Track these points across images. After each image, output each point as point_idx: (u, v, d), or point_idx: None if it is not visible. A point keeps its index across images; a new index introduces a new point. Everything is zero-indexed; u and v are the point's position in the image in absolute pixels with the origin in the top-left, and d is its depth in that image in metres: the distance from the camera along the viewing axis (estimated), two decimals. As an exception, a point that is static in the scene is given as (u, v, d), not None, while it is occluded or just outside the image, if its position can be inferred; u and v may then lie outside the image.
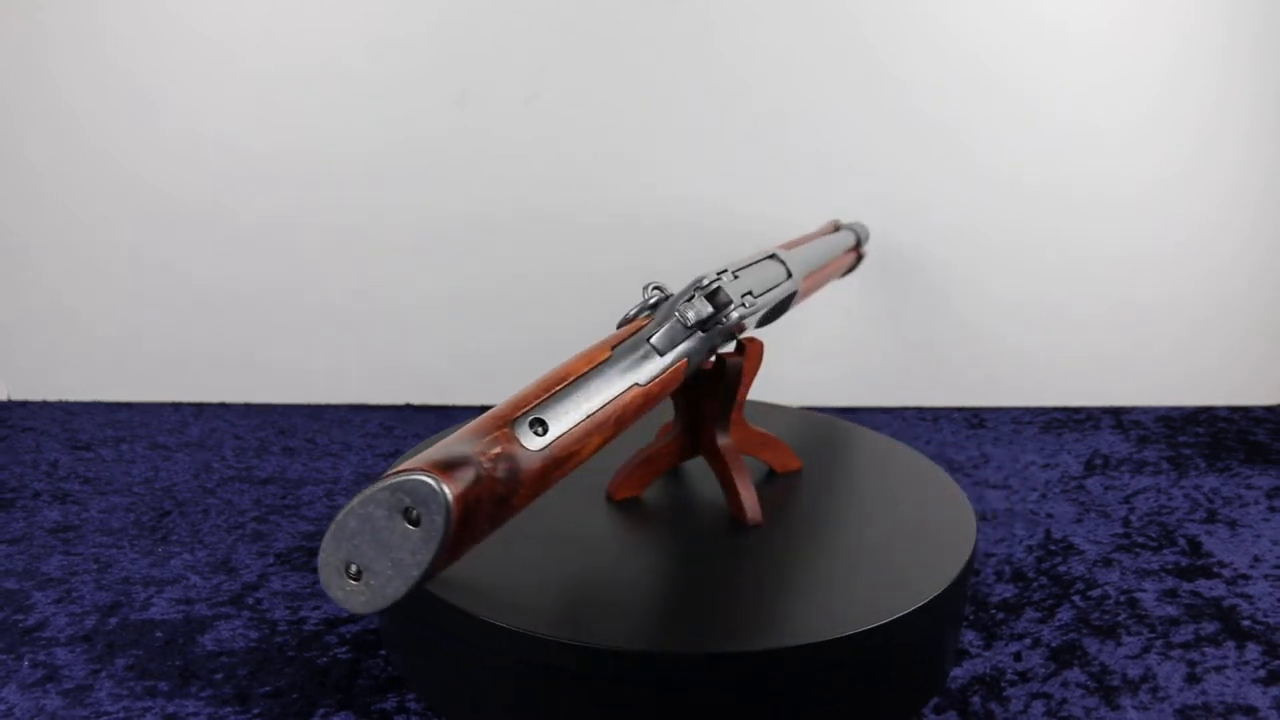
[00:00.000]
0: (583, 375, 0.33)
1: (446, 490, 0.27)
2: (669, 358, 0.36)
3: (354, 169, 0.67)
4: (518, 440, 0.30)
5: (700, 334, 0.37)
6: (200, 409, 0.70)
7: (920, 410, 0.73)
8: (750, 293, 0.40)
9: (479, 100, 0.66)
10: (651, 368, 0.35)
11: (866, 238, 0.61)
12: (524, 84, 0.66)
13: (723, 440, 0.44)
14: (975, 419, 0.71)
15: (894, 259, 0.69)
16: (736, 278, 0.40)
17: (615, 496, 0.45)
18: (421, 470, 0.27)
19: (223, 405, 0.70)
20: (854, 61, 0.66)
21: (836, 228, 0.58)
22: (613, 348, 0.35)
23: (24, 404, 0.70)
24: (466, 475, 0.28)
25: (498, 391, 0.54)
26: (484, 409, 0.51)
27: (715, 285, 0.38)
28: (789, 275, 0.44)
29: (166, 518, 0.54)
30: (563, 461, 0.32)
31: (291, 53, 0.64)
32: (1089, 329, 0.72)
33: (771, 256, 0.44)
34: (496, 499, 0.29)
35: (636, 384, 0.35)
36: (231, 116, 0.65)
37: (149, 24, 0.63)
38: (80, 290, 0.68)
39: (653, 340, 0.36)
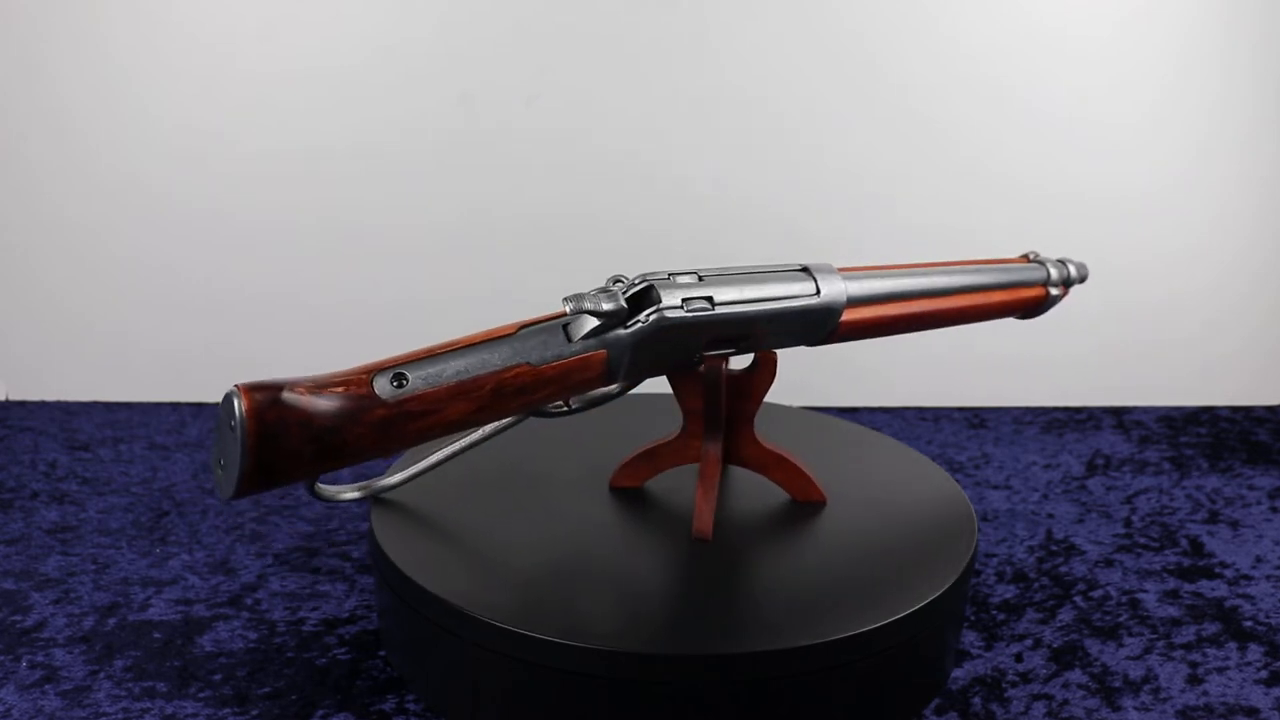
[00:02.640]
0: (473, 345, 0.36)
1: (241, 405, 0.32)
2: (576, 346, 0.36)
3: (354, 170, 0.67)
4: (370, 388, 0.34)
5: (622, 330, 0.37)
6: (199, 409, 0.70)
7: (920, 410, 0.73)
8: (710, 299, 0.38)
9: (479, 102, 0.66)
10: (553, 352, 0.36)
11: (1070, 279, 0.49)
12: (525, 85, 0.66)
13: (708, 447, 0.43)
14: (976, 419, 0.71)
15: (894, 259, 0.69)
16: (702, 280, 0.38)
17: (612, 485, 0.46)
18: (235, 387, 0.33)
19: (222, 405, 0.70)
20: (855, 64, 0.66)
21: (1029, 258, 0.49)
22: (524, 326, 0.37)
23: (22, 404, 0.70)
24: (269, 398, 0.33)
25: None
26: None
27: (646, 284, 0.37)
28: (816, 293, 0.40)
29: (165, 518, 0.54)
30: (418, 417, 0.34)
31: (291, 54, 0.64)
32: (1090, 329, 0.72)
33: (803, 269, 0.41)
34: (317, 429, 0.33)
35: (528, 362, 0.36)
36: (231, 117, 0.65)
37: (148, 24, 0.63)
38: (79, 290, 0.68)
39: (568, 327, 0.37)
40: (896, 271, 0.44)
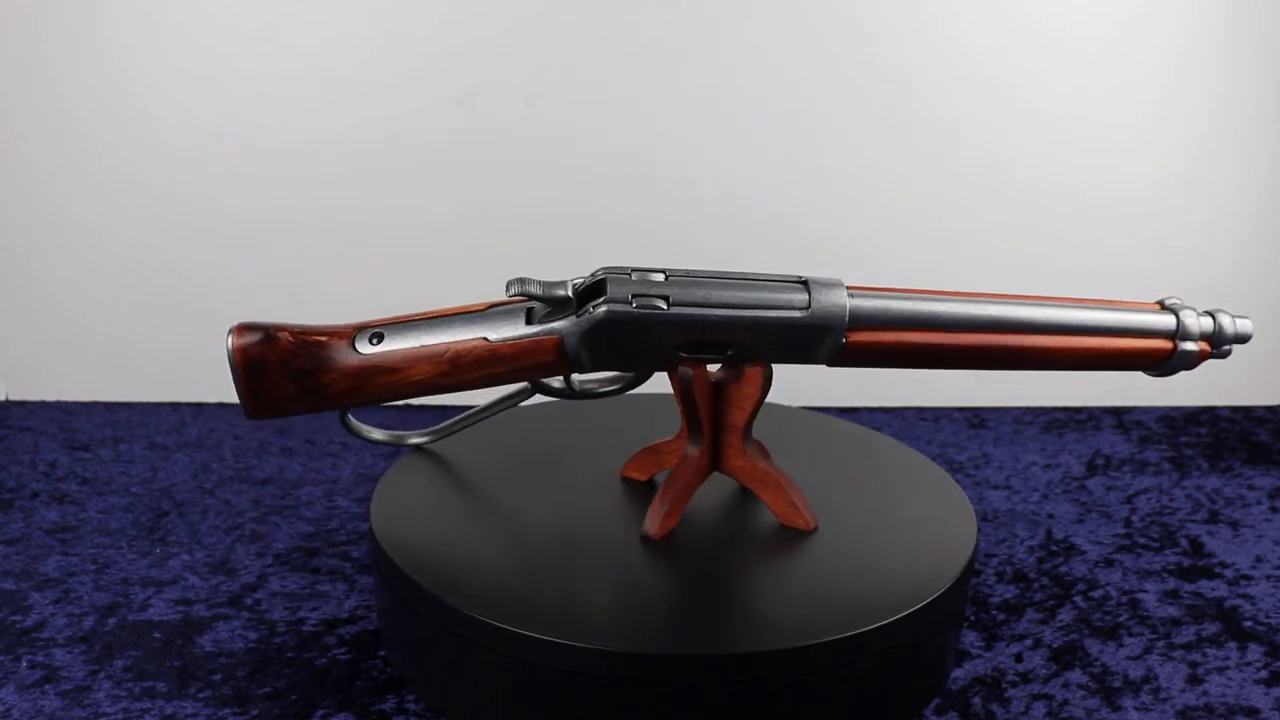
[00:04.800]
0: (447, 316, 0.40)
1: (230, 341, 0.39)
2: (531, 329, 0.39)
3: (353, 170, 0.66)
4: (350, 341, 0.39)
5: (573, 318, 0.38)
6: (199, 409, 0.70)
7: (920, 410, 0.73)
8: (666, 299, 0.38)
9: (479, 101, 0.66)
10: (511, 331, 0.39)
11: (1220, 336, 0.42)
12: (524, 85, 0.66)
13: (688, 450, 0.42)
14: (976, 419, 0.71)
15: (895, 259, 0.69)
16: (668, 279, 0.38)
17: (621, 474, 0.46)
18: (234, 325, 0.39)
19: (221, 405, 0.70)
20: (855, 63, 0.66)
21: (1162, 304, 0.43)
22: (494, 306, 0.40)
23: (22, 404, 0.70)
24: (257, 337, 0.39)
25: (495, 390, 0.54)
26: (469, 407, 0.52)
27: (601, 277, 0.38)
28: (806, 307, 0.39)
29: (165, 518, 0.54)
30: (386, 372, 0.39)
31: (291, 54, 0.64)
32: (1090, 329, 0.72)
33: (800, 282, 0.39)
34: (296, 369, 0.39)
35: (485, 338, 0.39)
36: (230, 117, 0.65)
37: (148, 24, 0.63)
38: (79, 290, 0.68)
39: (531, 311, 0.39)
40: (939, 297, 0.40)
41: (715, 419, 0.41)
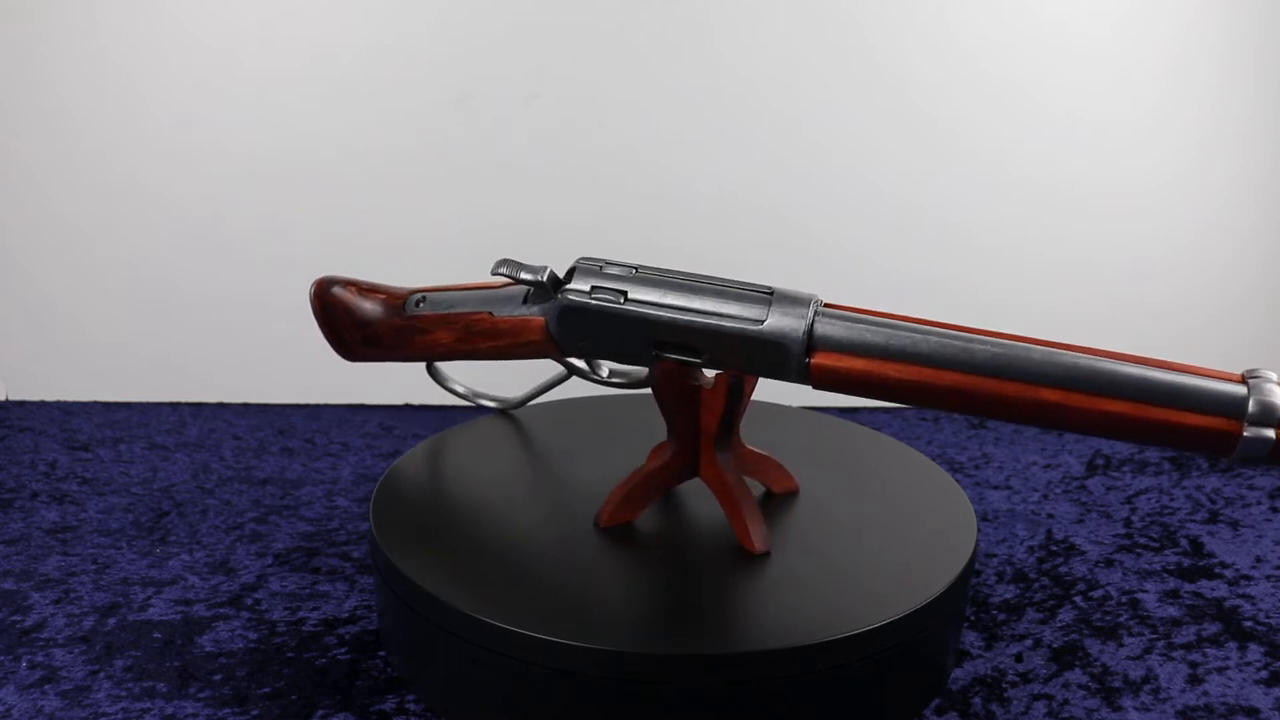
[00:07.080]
0: (471, 289, 0.43)
1: (312, 289, 0.45)
2: (523, 310, 0.41)
3: (351, 170, 0.66)
4: (400, 303, 0.44)
5: (554, 301, 0.40)
6: (198, 409, 0.70)
7: (921, 410, 0.73)
8: (624, 294, 0.38)
9: (478, 101, 0.66)
10: (510, 310, 0.42)
11: None
12: (523, 84, 0.66)
13: (666, 450, 0.42)
14: (976, 419, 0.71)
15: (894, 258, 0.69)
16: (635, 274, 0.38)
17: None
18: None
19: (221, 405, 0.70)
20: (854, 60, 0.66)
21: (1243, 377, 0.34)
22: (507, 284, 0.42)
23: (21, 404, 0.70)
24: (329, 289, 0.45)
25: (494, 390, 0.54)
26: (477, 408, 0.53)
27: (572, 267, 0.40)
28: (759, 321, 0.37)
29: (165, 518, 0.54)
30: (419, 332, 0.43)
31: (289, 54, 0.64)
32: (1089, 329, 0.72)
33: (768, 293, 0.37)
34: (357, 318, 0.44)
35: (490, 312, 0.42)
36: (229, 118, 0.65)
37: (146, 24, 0.63)
38: (78, 290, 0.68)
39: (531, 293, 0.41)
40: (935, 330, 0.36)
41: (693, 424, 0.41)
